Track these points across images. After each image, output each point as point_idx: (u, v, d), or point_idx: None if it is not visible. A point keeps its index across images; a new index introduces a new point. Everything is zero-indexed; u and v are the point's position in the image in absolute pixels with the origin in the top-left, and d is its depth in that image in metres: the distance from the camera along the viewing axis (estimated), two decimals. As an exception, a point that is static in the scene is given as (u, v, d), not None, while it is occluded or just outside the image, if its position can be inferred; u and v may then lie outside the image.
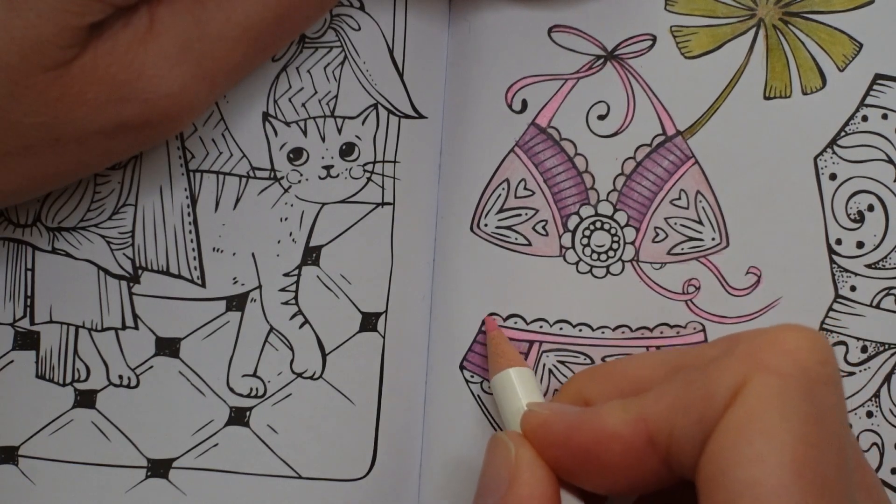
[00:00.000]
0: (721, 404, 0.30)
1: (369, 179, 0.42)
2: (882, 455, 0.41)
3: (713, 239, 0.41)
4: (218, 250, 0.41)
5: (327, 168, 0.42)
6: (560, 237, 0.42)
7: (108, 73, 0.33)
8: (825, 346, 0.30)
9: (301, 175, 0.41)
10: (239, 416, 0.41)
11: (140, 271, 0.41)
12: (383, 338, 0.41)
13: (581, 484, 0.34)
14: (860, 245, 0.41)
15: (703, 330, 0.41)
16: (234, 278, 0.41)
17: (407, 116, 0.42)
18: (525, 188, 0.42)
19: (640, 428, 0.31)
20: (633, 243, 0.42)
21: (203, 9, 0.34)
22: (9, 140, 0.34)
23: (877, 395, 0.41)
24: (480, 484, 0.35)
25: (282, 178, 0.42)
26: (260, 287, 0.41)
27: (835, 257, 0.41)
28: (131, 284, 0.41)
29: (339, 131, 0.42)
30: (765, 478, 0.28)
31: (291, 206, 0.41)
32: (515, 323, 0.41)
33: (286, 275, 0.41)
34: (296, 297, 0.41)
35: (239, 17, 0.35)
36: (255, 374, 0.41)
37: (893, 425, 0.41)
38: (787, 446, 0.28)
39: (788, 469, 0.28)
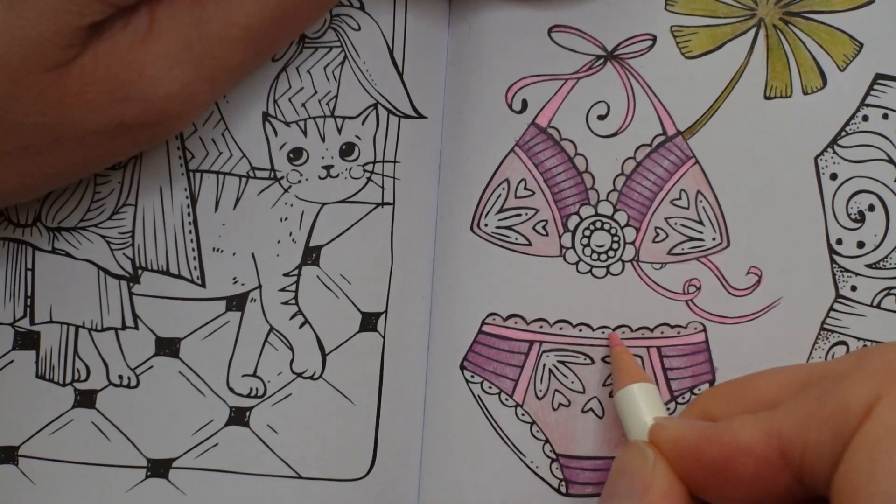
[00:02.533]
0: (856, 418, 0.30)
1: (369, 179, 0.42)
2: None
3: (714, 239, 0.41)
4: (218, 250, 0.41)
5: (327, 168, 0.42)
6: (560, 237, 0.42)
7: (109, 73, 0.33)
8: None
9: (301, 175, 0.41)
10: (239, 416, 0.41)
11: (140, 271, 0.41)
12: (383, 338, 0.41)
13: (710, 498, 0.34)
14: (861, 245, 0.41)
15: (704, 330, 0.41)
16: (234, 278, 0.41)
17: (407, 116, 0.42)
18: (525, 188, 0.42)
19: (772, 442, 0.32)
20: (633, 243, 0.41)
21: (203, 9, 0.34)
22: (9, 140, 0.34)
23: (877, 395, 0.41)
24: (610, 488, 0.35)
25: (282, 178, 0.42)
26: (260, 287, 0.41)
27: (835, 257, 0.41)
28: (131, 284, 0.41)
29: (339, 131, 0.42)
30: None
31: (291, 206, 0.41)
32: (515, 323, 0.41)
33: (286, 275, 0.41)
34: (296, 297, 0.41)
35: (239, 18, 0.35)
36: (255, 374, 0.41)
37: (894, 425, 0.41)
38: None
39: None
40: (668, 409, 0.41)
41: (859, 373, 0.31)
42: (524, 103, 0.42)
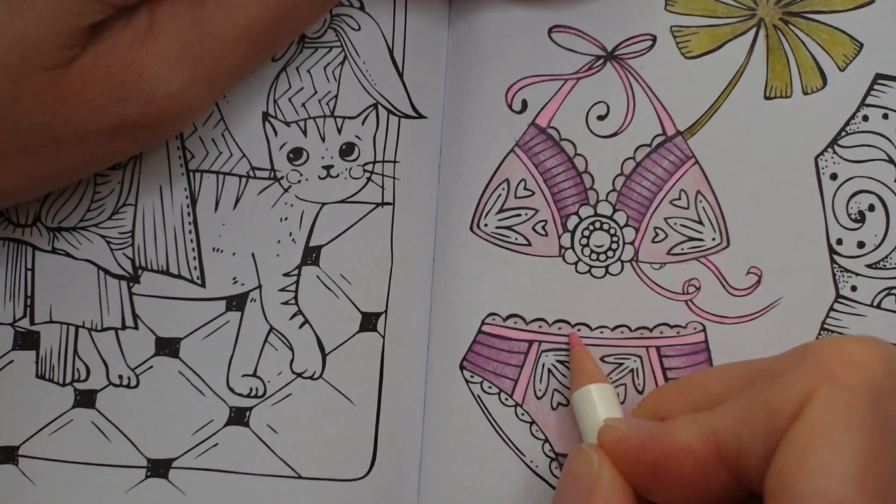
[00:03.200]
0: (787, 416, 0.30)
1: (369, 179, 0.42)
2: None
3: (713, 239, 0.41)
4: (218, 250, 0.41)
5: (327, 168, 0.42)
6: (559, 237, 0.42)
7: (109, 73, 0.33)
8: (893, 358, 0.31)
9: (301, 175, 0.41)
10: (239, 416, 0.41)
11: (140, 271, 0.41)
12: (383, 338, 0.41)
13: (655, 498, 0.34)
14: (861, 245, 0.41)
15: (704, 330, 0.41)
16: (234, 278, 0.41)
17: (407, 116, 0.42)
18: (525, 188, 0.42)
19: (709, 442, 0.32)
20: (632, 243, 0.41)
21: (203, 9, 0.34)
22: (9, 140, 0.34)
23: (877, 395, 0.41)
24: (559, 492, 0.35)
25: (282, 178, 0.42)
26: (260, 287, 0.41)
27: (835, 257, 0.41)
28: (131, 284, 0.41)
29: (339, 131, 0.42)
30: (829, 489, 0.28)
31: (291, 206, 0.41)
32: (515, 323, 0.41)
33: (286, 275, 0.41)
34: (296, 297, 0.41)
35: (239, 18, 0.35)
36: (254, 374, 0.41)
37: (894, 425, 0.41)
38: (851, 458, 0.29)
39: (852, 481, 0.28)
40: (668, 409, 0.41)
41: (794, 370, 0.31)
42: (524, 103, 0.42)
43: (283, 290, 0.41)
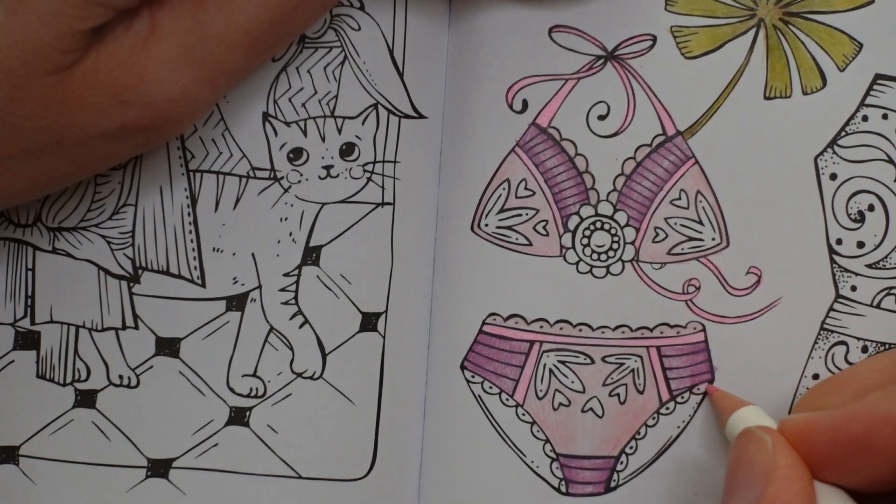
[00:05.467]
0: None
1: (369, 179, 0.42)
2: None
3: (713, 239, 0.41)
4: (218, 250, 0.41)
5: (327, 168, 0.42)
6: (560, 237, 0.42)
7: (110, 76, 0.33)
8: None
9: (301, 175, 0.41)
10: (239, 416, 0.41)
11: (140, 271, 0.41)
12: (383, 338, 0.41)
13: (848, 478, 0.34)
14: (860, 245, 0.41)
15: (704, 330, 0.41)
16: (234, 278, 0.41)
17: (407, 116, 0.42)
18: (525, 188, 0.42)
19: None
20: (633, 243, 0.42)
21: (204, 12, 0.34)
22: (10, 143, 0.34)
23: (876, 394, 0.41)
24: (732, 479, 0.35)
25: (282, 178, 0.42)
26: (260, 287, 0.41)
27: (835, 257, 0.41)
28: (131, 284, 0.41)
29: (339, 131, 0.42)
30: None
31: (291, 206, 0.41)
32: (516, 323, 0.41)
33: (286, 275, 0.41)
34: (296, 297, 0.41)
35: (239, 20, 0.35)
36: (255, 374, 0.41)
37: (893, 425, 0.41)
38: None
39: None
40: (668, 408, 0.41)
41: None
42: (524, 103, 0.42)
43: (283, 290, 0.41)
